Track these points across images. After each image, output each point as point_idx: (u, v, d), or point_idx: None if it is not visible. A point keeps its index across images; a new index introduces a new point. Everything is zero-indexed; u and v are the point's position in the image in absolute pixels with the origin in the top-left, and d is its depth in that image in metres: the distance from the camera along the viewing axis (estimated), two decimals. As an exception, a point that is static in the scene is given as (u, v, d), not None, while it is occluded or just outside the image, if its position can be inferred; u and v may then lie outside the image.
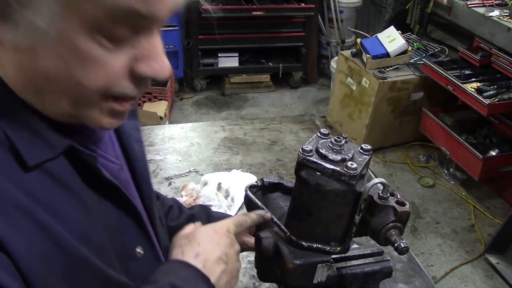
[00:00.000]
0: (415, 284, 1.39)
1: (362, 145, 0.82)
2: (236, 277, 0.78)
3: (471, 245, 3.12)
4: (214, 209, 1.58)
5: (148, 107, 3.93)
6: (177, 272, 0.69)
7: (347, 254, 0.92)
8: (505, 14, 3.22)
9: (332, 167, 0.77)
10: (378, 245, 0.90)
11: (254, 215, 0.85)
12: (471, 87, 3.16)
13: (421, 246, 3.10)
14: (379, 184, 0.80)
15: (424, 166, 3.85)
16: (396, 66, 3.69)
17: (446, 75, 3.30)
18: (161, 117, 3.80)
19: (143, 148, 0.79)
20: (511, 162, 3.30)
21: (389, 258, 1.00)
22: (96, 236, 0.63)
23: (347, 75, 3.86)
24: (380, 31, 3.85)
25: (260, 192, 0.98)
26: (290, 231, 0.84)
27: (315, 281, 0.85)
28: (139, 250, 0.72)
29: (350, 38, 4.84)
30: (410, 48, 3.72)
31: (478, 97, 3.05)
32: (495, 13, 3.25)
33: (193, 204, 1.13)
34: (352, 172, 0.76)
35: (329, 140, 0.81)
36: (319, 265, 0.84)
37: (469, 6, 3.40)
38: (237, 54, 4.59)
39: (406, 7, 4.21)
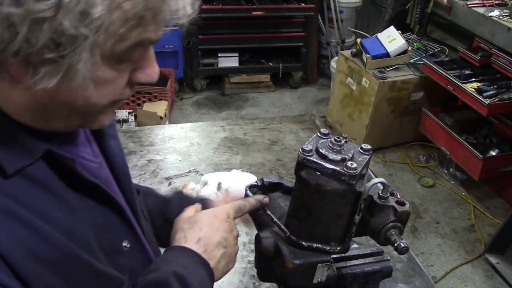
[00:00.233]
0: (415, 284, 1.39)
1: (362, 145, 0.83)
2: (233, 260, 0.84)
3: (471, 245, 3.12)
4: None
5: (148, 107, 3.93)
6: (178, 259, 0.74)
7: (347, 254, 0.92)
8: (505, 14, 3.22)
9: (332, 167, 0.77)
10: (378, 245, 0.90)
11: (252, 200, 0.89)
12: (471, 87, 3.16)
13: (421, 246, 3.10)
14: (379, 184, 0.80)
15: (424, 166, 3.85)
16: (396, 66, 3.69)
17: (446, 75, 3.30)
18: (161, 117, 3.81)
19: (120, 144, 0.82)
20: (511, 162, 3.30)
21: (389, 258, 1.01)
22: (82, 233, 0.64)
23: (347, 75, 3.86)
24: (380, 31, 3.85)
25: (260, 192, 0.98)
26: (290, 231, 0.84)
27: (315, 281, 0.85)
28: (125, 244, 0.74)
29: (350, 38, 4.84)
30: (410, 48, 3.72)
31: (478, 97, 3.05)
32: (495, 13, 3.25)
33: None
34: (352, 172, 0.76)
35: (329, 140, 0.81)
36: (319, 265, 0.84)
37: (469, 6, 3.40)
38: (237, 54, 4.59)
39: (406, 7, 4.21)
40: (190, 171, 1.81)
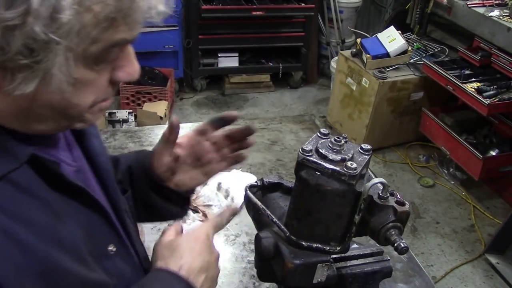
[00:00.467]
0: (415, 284, 1.39)
1: (362, 145, 0.83)
2: (215, 282, 0.83)
3: (471, 245, 3.12)
4: (214, 209, 1.59)
5: (148, 107, 3.93)
6: (164, 282, 0.74)
7: (347, 254, 0.92)
8: (505, 14, 3.22)
9: (332, 167, 0.77)
10: (378, 245, 0.90)
11: (226, 212, 0.89)
12: (471, 87, 3.16)
13: (421, 246, 3.10)
14: (379, 184, 0.80)
15: (424, 166, 3.85)
16: (396, 66, 3.69)
17: (446, 75, 3.30)
18: (161, 117, 3.81)
19: (102, 143, 0.82)
20: (511, 162, 3.30)
21: (389, 258, 1.01)
22: (68, 238, 0.64)
23: (347, 75, 3.86)
24: (380, 31, 3.85)
25: (260, 192, 0.98)
26: (290, 231, 0.84)
27: (315, 281, 0.85)
28: (111, 247, 0.74)
29: (350, 38, 4.84)
30: (410, 48, 3.72)
31: (478, 97, 3.05)
32: (495, 13, 3.25)
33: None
34: (352, 172, 0.76)
35: (329, 140, 0.82)
36: (319, 265, 0.84)
37: (469, 6, 3.40)
38: (237, 54, 4.59)
39: (406, 7, 4.21)
40: (190, 171, 1.81)
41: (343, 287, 0.95)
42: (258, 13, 4.29)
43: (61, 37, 0.52)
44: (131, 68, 0.66)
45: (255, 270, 0.96)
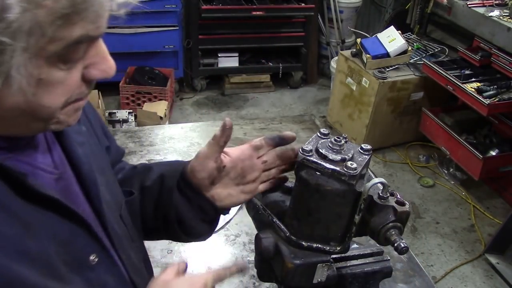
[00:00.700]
0: (415, 284, 1.39)
1: (362, 145, 0.83)
2: None
3: (471, 245, 3.12)
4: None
5: (148, 107, 3.93)
6: None
7: (347, 254, 0.92)
8: (505, 14, 3.22)
9: (332, 167, 0.77)
10: (378, 245, 0.90)
11: (233, 268, 0.84)
12: (471, 87, 3.16)
13: (421, 246, 3.10)
14: (379, 184, 0.80)
15: (424, 166, 3.85)
16: (396, 66, 3.69)
17: (446, 75, 3.30)
18: (161, 117, 3.81)
19: (88, 151, 0.77)
20: (511, 162, 3.30)
21: (389, 258, 1.01)
22: (38, 251, 0.62)
23: (347, 75, 3.86)
24: (380, 31, 3.85)
25: (260, 192, 0.98)
26: (290, 231, 0.84)
27: (315, 281, 0.85)
28: (93, 257, 0.71)
29: (350, 38, 4.84)
30: (410, 48, 3.72)
31: (478, 97, 3.05)
32: (495, 13, 3.25)
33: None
34: (352, 172, 0.76)
35: (329, 140, 0.82)
36: (319, 265, 0.84)
37: (469, 6, 3.40)
38: (237, 54, 4.59)
39: (406, 7, 4.21)
40: (190, 171, 1.81)
41: (343, 287, 0.95)
42: (258, 13, 4.29)
43: (11, 37, 0.50)
44: (105, 65, 0.62)
45: (255, 270, 0.96)
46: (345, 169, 0.77)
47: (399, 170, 3.80)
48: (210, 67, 4.61)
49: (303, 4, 4.48)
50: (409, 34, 4.08)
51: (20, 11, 0.49)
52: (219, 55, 4.56)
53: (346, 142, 0.81)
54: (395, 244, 0.80)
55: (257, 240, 0.86)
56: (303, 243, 0.83)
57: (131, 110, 3.91)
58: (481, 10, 3.34)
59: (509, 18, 3.17)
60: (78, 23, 0.54)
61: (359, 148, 0.82)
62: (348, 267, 0.96)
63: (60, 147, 0.74)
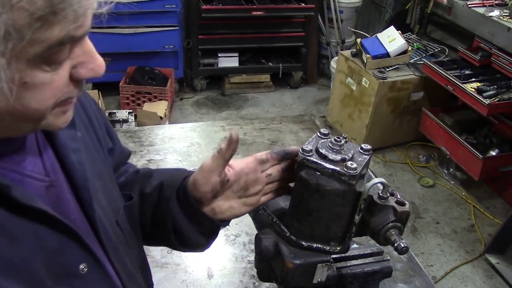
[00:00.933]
0: (415, 284, 1.39)
1: (362, 145, 0.83)
2: None
3: (471, 245, 3.12)
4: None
5: (148, 107, 3.93)
6: None
7: (347, 254, 0.92)
8: (505, 14, 3.22)
9: (332, 167, 0.77)
10: (378, 245, 0.90)
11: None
12: (471, 87, 3.17)
13: (421, 246, 3.10)
14: (379, 184, 0.80)
15: (424, 166, 3.85)
16: (396, 66, 3.69)
17: (446, 75, 3.30)
18: (161, 117, 3.81)
19: (82, 158, 0.75)
20: (511, 162, 3.30)
21: (389, 258, 1.01)
22: (23, 263, 0.61)
23: (347, 75, 3.86)
24: (380, 31, 3.85)
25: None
26: (290, 231, 0.84)
27: (315, 281, 0.85)
28: (82, 267, 0.70)
29: (350, 38, 4.84)
30: (410, 48, 3.72)
31: (478, 97, 3.05)
32: (495, 13, 3.25)
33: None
34: (352, 172, 0.76)
35: (329, 140, 0.82)
36: (319, 265, 0.84)
37: (469, 6, 3.40)
38: (237, 54, 4.59)
39: (406, 7, 4.21)
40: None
41: (343, 287, 0.95)
42: (258, 13, 4.29)
43: None
44: (93, 64, 0.61)
45: (255, 270, 0.96)
46: (345, 169, 0.77)
47: (399, 170, 3.80)
48: (210, 67, 4.61)
49: (303, 4, 4.48)
50: (409, 34, 4.08)
51: None
52: (219, 55, 4.56)
53: (346, 142, 0.81)
54: (395, 244, 0.80)
55: (257, 240, 0.86)
56: (303, 243, 0.83)
57: (131, 110, 3.91)
58: (481, 10, 3.34)
59: (509, 18, 3.17)
60: (58, 24, 0.52)
61: (359, 148, 0.82)
62: (348, 267, 0.96)
63: (53, 153, 0.73)
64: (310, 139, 0.83)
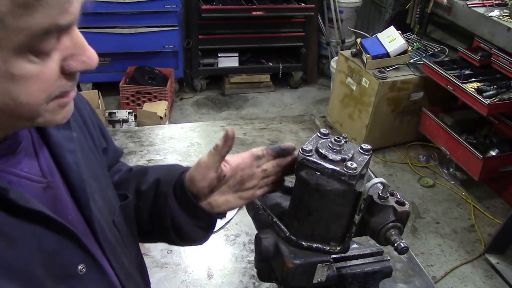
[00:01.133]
0: (415, 284, 1.39)
1: (362, 145, 0.83)
2: None
3: (471, 245, 3.12)
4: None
5: (148, 107, 3.93)
6: None
7: (347, 254, 0.92)
8: (505, 14, 3.22)
9: (332, 167, 0.77)
10: (378, 245, 0.90)
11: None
12: (471, 87, 3.17)
13: (421, 246, 3.10)
14: (379, 184, 0.80)
15: (424, 166, 3.85)
16: (396, 66, 3.69)
17: (446, 75, 3.30)
18: (161, 117, 3.81)
19: (78, 158, 0.75)
20: (511, 162, 3.30)
21: (389, 258, 1.01)
22: (20, 265, 0.61)
23: (347, 75, 3.86)
24: (380, 31, 3.85)
25: (260, 192, 0.98)
26: (290, 231, 0.84)
27: (315, 281, 0.85)
28: (81, 267, 0.70)
29: (350, 38, 4.84)
30: (410, 48, 3.72)
31: (478, 97, 3.05)
32: (495, 13, 3.25)
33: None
34: (352, 172, 0.76)
35: (329, 140, 0.82)
36: (319, 265, 0.84)
37: (469, 6, 3.40)
38: (237, 54, 4.59)
39: (406, 7, 4.21)
40: (190, 171, 1.81)
41: (343, 287, 0.95)
42: (258, 13, 4.29)
43: None
44: (84, 56, 0.58)
45: (255, 270, 0.96)
46: (345, 169, 0.77)
47: (399, 170, 3.80)
48: (210, 67, 4.61)
49: (303, 4, 4.48)
50: (409, 34, 4.08)
51: None
52: (219, 55, 4.56)
53: (346, 142, 0.81)
54: (395, 244, 0.80)
55: (257, 240, 0.86)
56: (303, 243, 0.83)
57: (131, 110, 3.91)
58: (481, 10, 3.34)
59: (509, 18, 3.17)
60: (41, 11, 0.50)
61: (359, 148, 0.82)
62: (348, 267, 0.96)
63: (50, 154, 0.72)
64: (310, 139, 0.83)
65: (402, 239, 0.81)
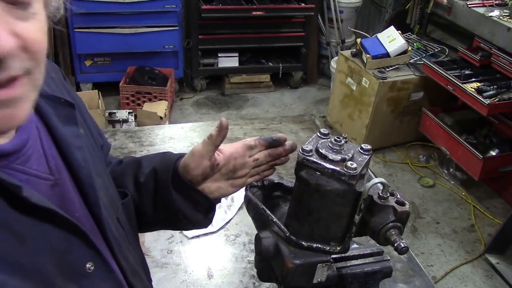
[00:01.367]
0: (415, 284, 1.39)
1: (362, 145, 0.83)
2: None
3: (471, 245, 3.12)
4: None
5: (148, 107, 3.93)
6: None
7: (347, 254, 0.92)
8: (505, 14, 3.22)
9: (332, 167, 0.77)
10: (378, 245, 0.90)
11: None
12: (471, 87, 3.17)
13: (421, 246, 3.10)
14: (379, 184, 0.80)
15: (424, 166, 3.85)
16: (396, 66, 3.69)
17: (446, 75, 3.30)
18: (161, 117, 3.81)
19: (86, 155, 0.75)
20: (511, 162, 3.30)
21: (389, 258, 1.01)
22: (31, 263, 0.60)
23: (347, 75, 3.86)
24: (380, 31, 3.85)
25: (260, 192, 0.98)
26: (290, 231, 0.84)
27: (315, 281, 0.85)
28: (89, 265, 0.70)
29: (350, 38, 4.84)
30: (410, 48, 3.72)
31: (478, 97, 3.05)
32: (495, 13, 3.25)
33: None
34: (352, 172, 0.76)
35: (329, 140, 0.82)
36: (319, 265, 0.84)
37: (469, 6, 3.40)
38: (237, 54, 4.60)
39: (406, 7, 4.21)
40: (190, 171, 1.81)
41: (343, 287, 0.95)
42: (258, 13, 4.29)
43: None
44: None
45: (255, 270, 0.96)
46: (345, 169, 0.77)
47: (399, 170, 3.80)
48: (210, 67, 4.61)
49: (303, 4, 4.48)
50: (409, 34, 4.08)
51: None
52: (219, 55, 4.56)
53: (346, 142, 0.81)
54: (395, 244, 0.80)
55: (257, 240, 0.86)
56: (303, 243, 0.83)
57: (131, 110, 3.91)
58: (481, 10, 3.34)
59: (509, 18, 3.17)
60: None
61: (359, 148, 0.82)
62: (348, 267, 0.96)
63: (57, 151, 0.71)
64: (310, 139, 0.83)
65: (402, 239, 0.81)
